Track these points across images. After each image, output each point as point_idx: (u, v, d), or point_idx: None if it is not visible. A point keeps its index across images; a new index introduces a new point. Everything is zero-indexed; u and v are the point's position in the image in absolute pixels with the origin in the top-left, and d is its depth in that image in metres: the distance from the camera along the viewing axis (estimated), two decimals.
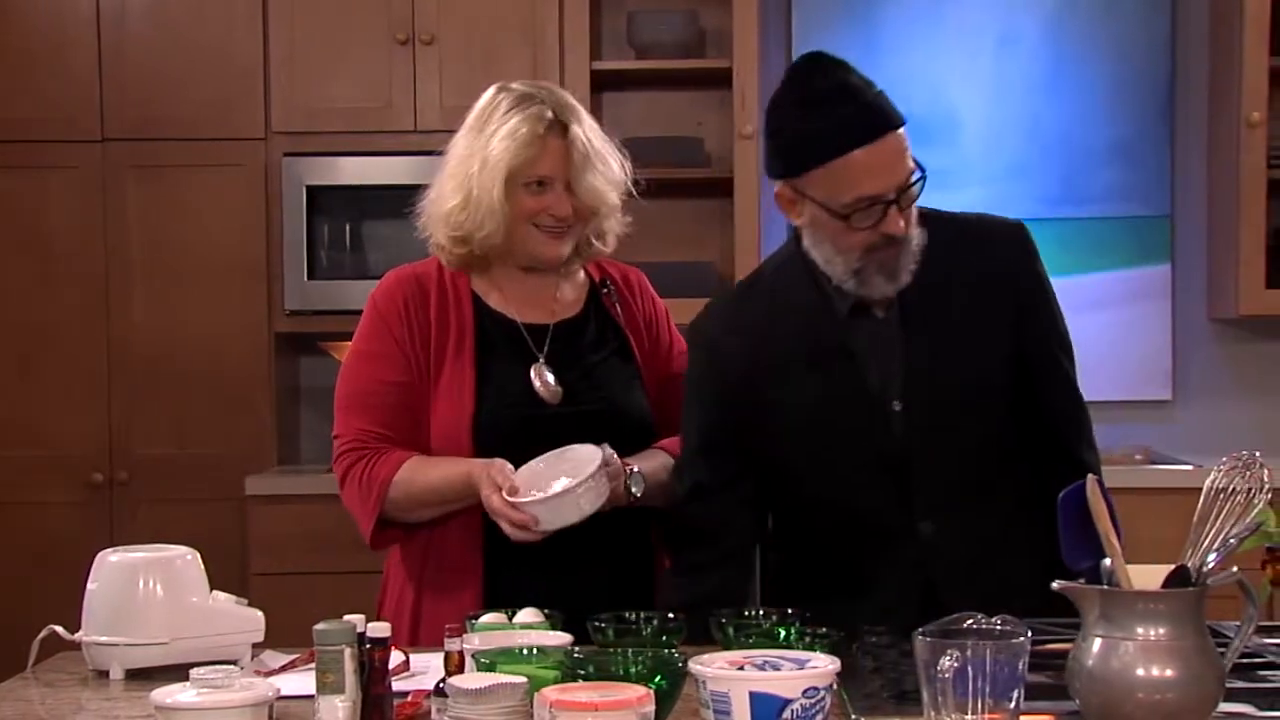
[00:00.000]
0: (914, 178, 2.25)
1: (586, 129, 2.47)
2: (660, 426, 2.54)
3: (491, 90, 2.52)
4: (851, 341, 2.34)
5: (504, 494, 2.29)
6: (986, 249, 2.40)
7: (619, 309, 2.59)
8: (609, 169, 2.49)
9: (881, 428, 2.33)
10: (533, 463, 2.36)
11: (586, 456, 2.33)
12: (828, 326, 2.35)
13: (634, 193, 2.56)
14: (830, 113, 2.22)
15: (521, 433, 2.42)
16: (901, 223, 2.25)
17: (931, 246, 2.32)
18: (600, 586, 2.41)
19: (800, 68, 2.30)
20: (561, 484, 2.31)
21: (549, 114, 2.44)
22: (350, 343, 2.55)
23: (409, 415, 2.46)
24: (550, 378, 2.48)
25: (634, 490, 2.41)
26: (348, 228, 4.41)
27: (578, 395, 2.48)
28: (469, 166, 2.45)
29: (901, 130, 2.25)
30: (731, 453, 2.40)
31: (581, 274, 2.61)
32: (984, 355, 2.36)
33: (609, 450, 2.34)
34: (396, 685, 1.90)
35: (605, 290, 2.60)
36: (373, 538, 2.46)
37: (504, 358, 2.48)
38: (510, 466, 2.33)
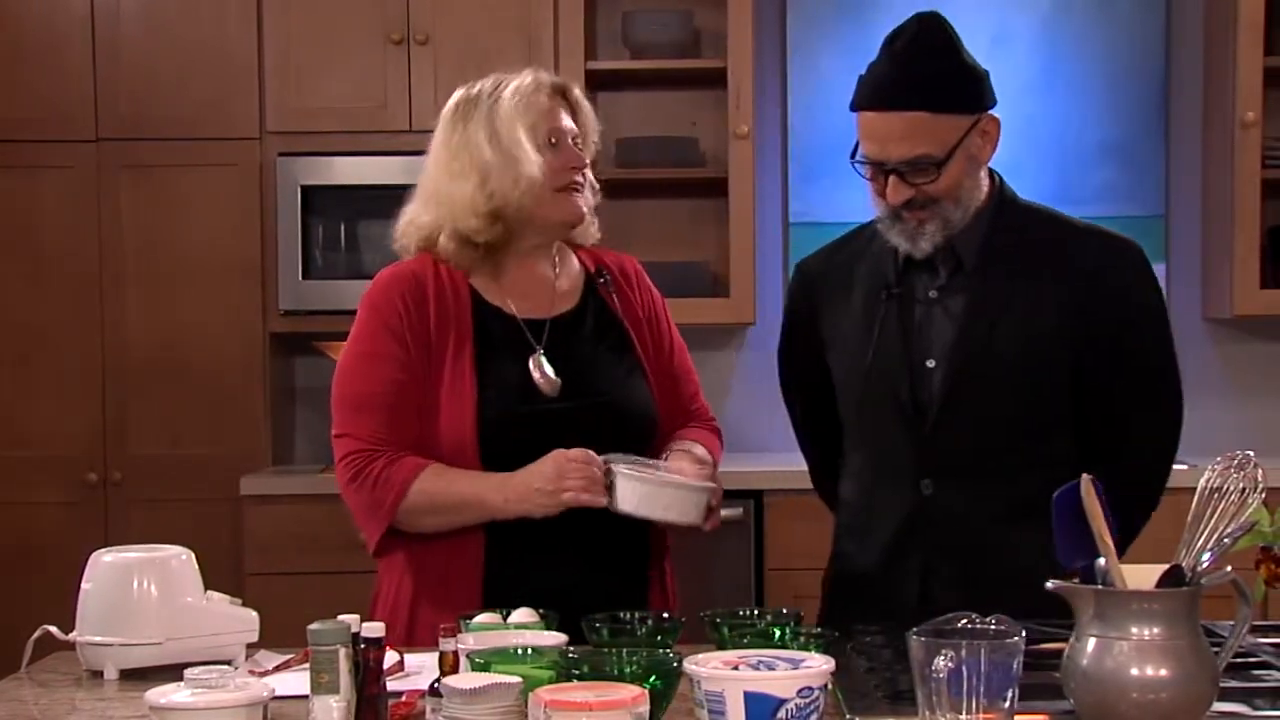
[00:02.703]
0: (919, 163, 2.33)
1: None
2: (664, 420, 2.54)
3: (459, 91, 2.54)
4: (910, 293, 2.46)
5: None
6: (1085, 254, 2.46)
7: (616, 300, 2.59)
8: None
9: (913, 381, 2.42)
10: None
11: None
12: (893, 274, 2.46)
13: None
14: (876, 67, 2.38)
15: (525, 427, 2.42)
16: (896, 193, 2.35)
17: (1028, 235, 2.45)
18: (599, 585, 2.40)
19: (913, 17, 2.41)
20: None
21: (546, 77, 2.51)
22: (346, 343, 2.53)
23: (413, 414, 2.44)
24: (549, 369, 2.47)
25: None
26: (342, 227, 4.40)
27: (578, 389, 2.47)
28: (474, 147, 2.47)
29: (926, 114, 2.33)
30: (798, 372, 2.65)
31: (576, 265, 2.60)
32: (1038, 345, 2.40)
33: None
34: (391, 685, 1.90)
35: (602, 280, 2.60)
36: (379, 543, 2.44)
37: (503, 353, 2.48)
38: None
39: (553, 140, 2.48)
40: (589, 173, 2.54)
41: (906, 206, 2.38)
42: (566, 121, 2.51)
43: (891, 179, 2.36)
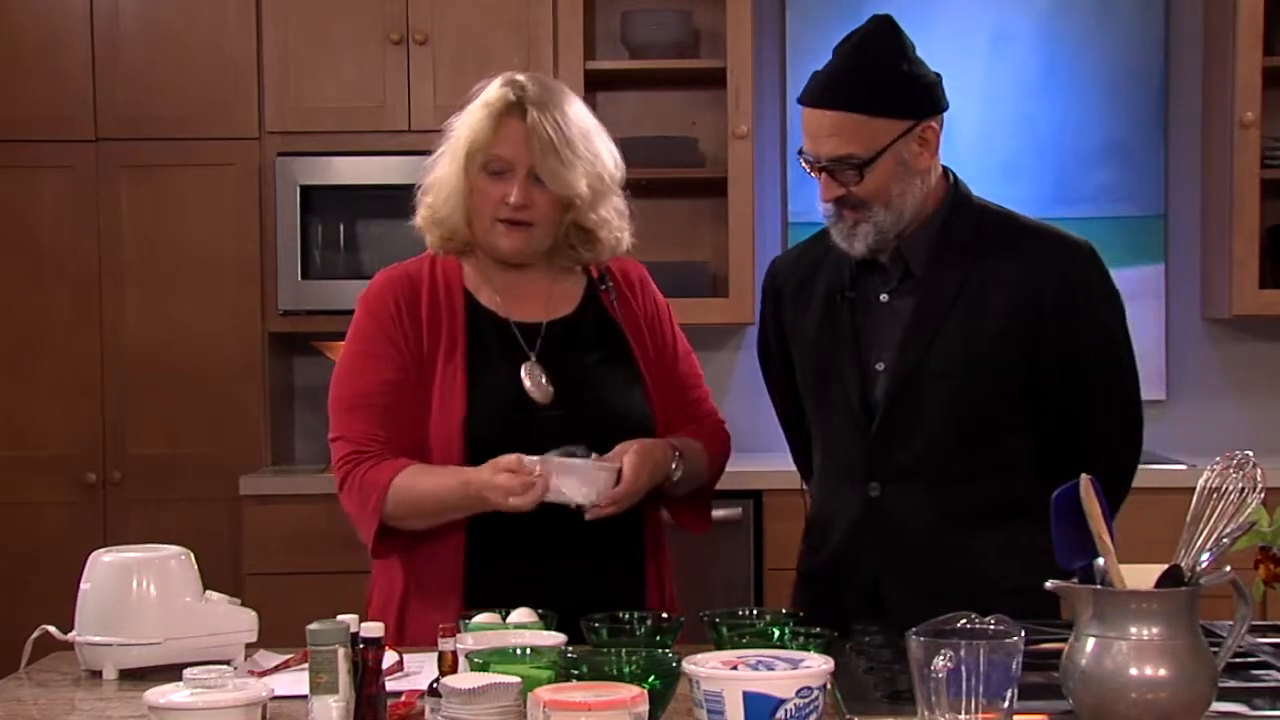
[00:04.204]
0: (844, 163, 2.35)
1: (558, 116, 2.42)
2: (664, 428, 2.52)
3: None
4: (862, 296, 2.46)
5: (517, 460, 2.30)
6: (1033, 254, 2.43)
7: (618, 307, 2.57)
8: (581, 158, 2.43)
9: (863, 384, 2.43)
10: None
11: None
12: (849, 276, 2.48)
13: (618, 190, 2.52)
14: (828, 63, 2.41)
15: (513, 434, 2.39)
16: (827, 190, 2.38)
17: (980, 237, 2.44)
18: (587, 585, 2.38)
19: (870, 18, 2.45)
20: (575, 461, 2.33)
21: (511, 96, 2.43)
22: (343, 343, 2.54)
23: (407, 416, 2.43)
24: (541, 377, 2.46)
25: (675, 470, 2.45)
26: (341, 227, 4.40)
27: (571, 396, 2.46)
28: (444, 145, 2.49)
29: (855, 115, 2.35)
30: (773, 369, 2.65)
31: (579, 269, 2.58)
32: (986, 347, 2.39)
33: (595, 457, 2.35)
34: (390, 685, 1.90)
35: (604, 288, 2.58)
36: (374, 545, 2.44)
37: (495, 357, 2.46)
38: (519, 456, 2.32)
39: (493, 168, 2.43)
40: (579, 185, 2.42)
41: (842, 204, 2.40)
42: (514, 149, 2.42)
43: (823, 175, 2.39)
